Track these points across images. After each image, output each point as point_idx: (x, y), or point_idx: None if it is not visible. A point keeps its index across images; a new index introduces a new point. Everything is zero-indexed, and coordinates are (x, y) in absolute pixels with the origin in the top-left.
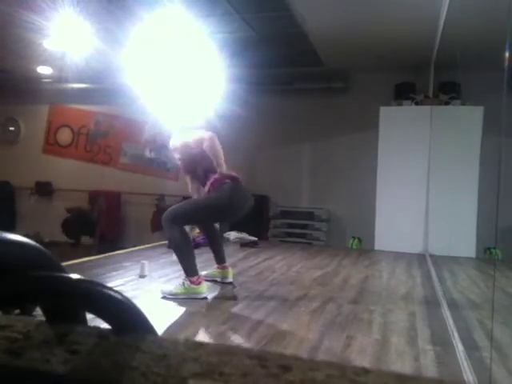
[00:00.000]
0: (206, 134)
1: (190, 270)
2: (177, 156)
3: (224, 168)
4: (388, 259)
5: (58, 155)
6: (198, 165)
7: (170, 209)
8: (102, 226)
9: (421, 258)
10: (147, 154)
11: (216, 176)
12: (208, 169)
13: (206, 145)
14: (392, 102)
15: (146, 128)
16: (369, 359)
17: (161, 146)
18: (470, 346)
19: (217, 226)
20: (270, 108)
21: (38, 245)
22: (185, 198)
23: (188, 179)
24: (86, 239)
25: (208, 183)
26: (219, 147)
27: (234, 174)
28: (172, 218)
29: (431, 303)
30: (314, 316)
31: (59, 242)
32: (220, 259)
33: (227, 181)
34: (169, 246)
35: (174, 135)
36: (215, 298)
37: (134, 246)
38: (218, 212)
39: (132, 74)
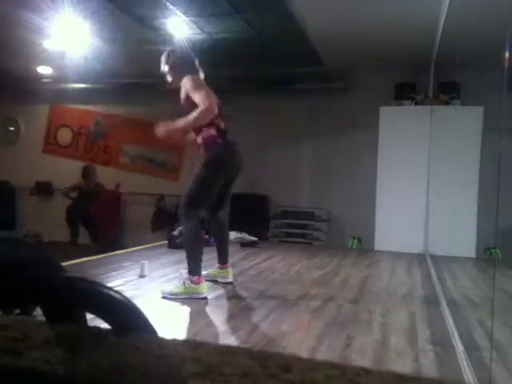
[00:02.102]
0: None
1: (194, 268)
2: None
3: (206, 104)
4: (388, 259)
5: (57, 155)
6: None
7: (183, 200)
8: (101, 216)
9: (421, 258)
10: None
11: (208, 132)
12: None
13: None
14: (392, 101)
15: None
16: (369, 359)
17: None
18: (470, 346)
19: (227, 223)
20: (270, 108)
21: (38, 245)
22: None
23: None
24: (86, 239)
25: (200, 137)
26: (198, 87)
27: (222, 127)
28: (189, 205)
29: (431, 303)
30: (314, 316)
31: (59, 242)
32: (223, 258)
33: (219, 141)
34: (169, 246)
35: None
36: (215, 297)
37: (134, 246)
38: (217, 176)
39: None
